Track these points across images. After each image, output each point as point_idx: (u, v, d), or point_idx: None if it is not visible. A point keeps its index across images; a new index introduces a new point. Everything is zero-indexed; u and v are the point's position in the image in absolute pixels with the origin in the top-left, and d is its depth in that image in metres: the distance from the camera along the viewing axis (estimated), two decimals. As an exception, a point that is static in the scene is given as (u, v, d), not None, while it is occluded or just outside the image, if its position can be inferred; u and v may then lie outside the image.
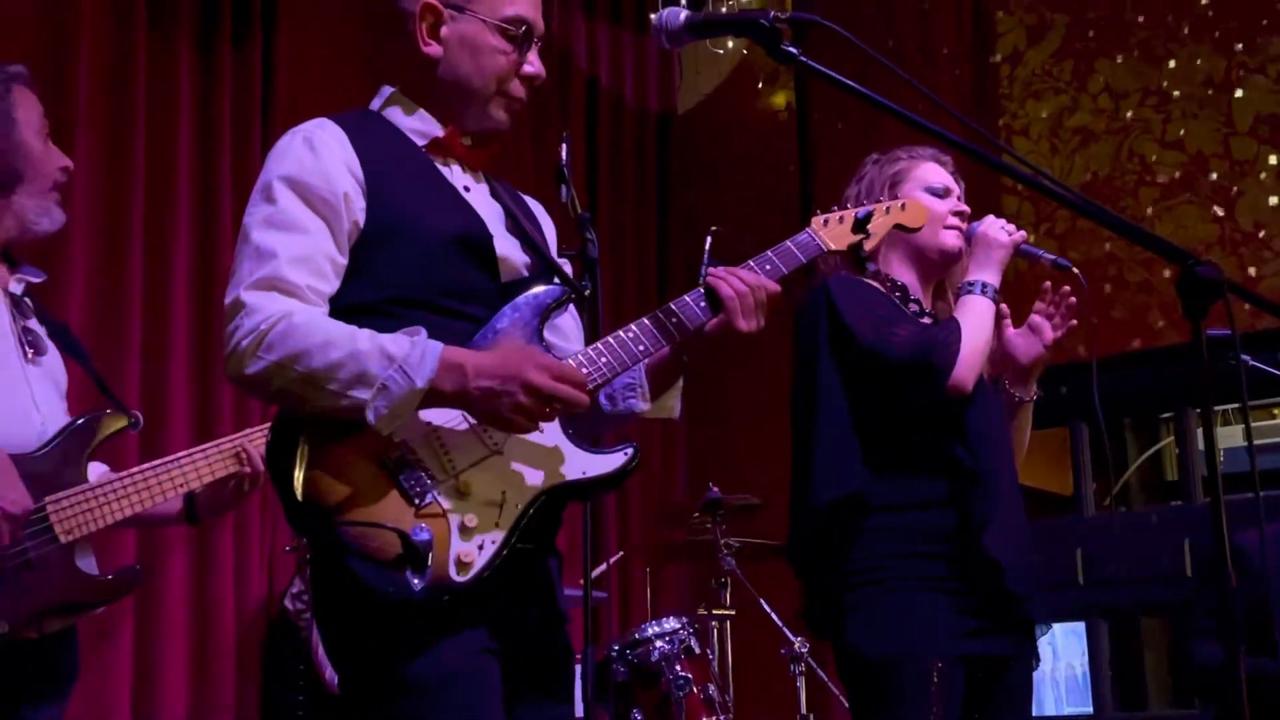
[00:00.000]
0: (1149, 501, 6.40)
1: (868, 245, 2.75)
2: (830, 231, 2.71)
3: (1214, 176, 5.81)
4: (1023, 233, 3.26)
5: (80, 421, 2.99)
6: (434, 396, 2.20)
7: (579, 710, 4.12)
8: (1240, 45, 5.81)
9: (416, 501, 2.23)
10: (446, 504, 2.25)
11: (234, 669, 4.98)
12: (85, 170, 4.64)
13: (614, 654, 4.68)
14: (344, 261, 2.32)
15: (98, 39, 4.95)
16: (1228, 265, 5.68)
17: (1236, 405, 5.35)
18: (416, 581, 2.18)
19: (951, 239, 3.29)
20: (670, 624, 4.72)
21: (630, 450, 2.40)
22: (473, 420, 2.29)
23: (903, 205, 2.86)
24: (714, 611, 5.10)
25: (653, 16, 2.45)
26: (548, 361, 2.27)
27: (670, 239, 6.98)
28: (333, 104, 5.28)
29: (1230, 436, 5.99)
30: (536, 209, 2.67)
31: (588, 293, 2.58)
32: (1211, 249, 5.74)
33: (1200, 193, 5.83)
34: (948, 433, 3.13)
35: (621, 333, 2.40)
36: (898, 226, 2.84)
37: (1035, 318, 3.34)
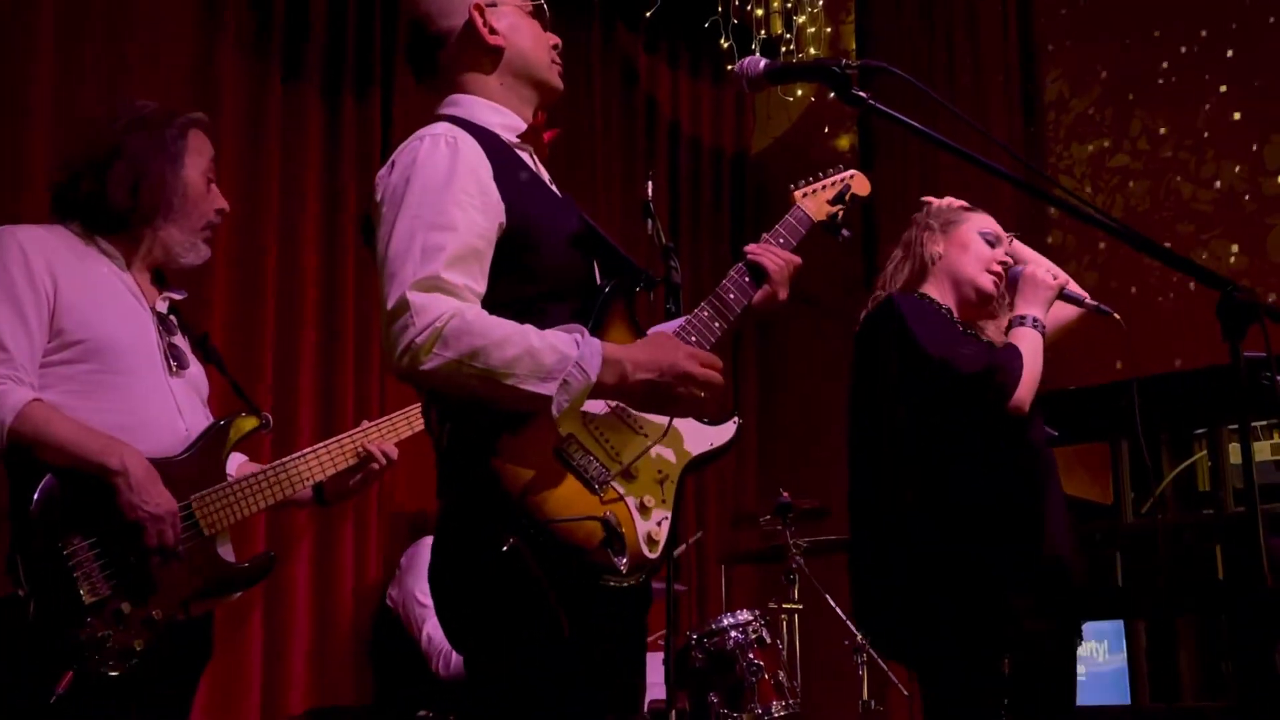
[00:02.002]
0: (1182, 511, 6.35)
1: (840, 214, 2.89)
2: (811, 203, 2.85)
3: (1245, 213, 5.79)
4: (1066, 277, 3.33)
5: (218, 425, 3.05)
6: (599, 389, 2.20)
7: (662, 692, 4.24)
8: (1268, 91, 5.78)
9: (598, 489, 2.23)
10: (621, 488, 2.26)
11: (352, 654, 5.06)
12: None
13: (693, 642, 4.75)
14: (489, 261, 2.28)
15: (238, 91, 5.10)
16: (1260, 292, 5.64)
17: (1264, 423, 5.32)
18: (621, 562, 2.19)
19: (989, 282, 3.35)
20: (744, 616, 4.77)
21: (737, 419, 2.49)
22: (612, 405, 2.30)
23: (852, 175, 2.94)
24: (784, 605, 5.16)
25: (734, 66, 2.59)
26: (693, 350, 2.30)
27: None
28: None
29: (1259, 451, 5.95)
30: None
31: (650, 276, 2.55)
32: (1242, 279, 5.64)
33: (1232, 228, 5.82)
34: (1008, 443, 3.15)
35: (697, 314, 2.48)
36: (852, 196, 2.92)
37: None
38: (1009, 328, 3.28)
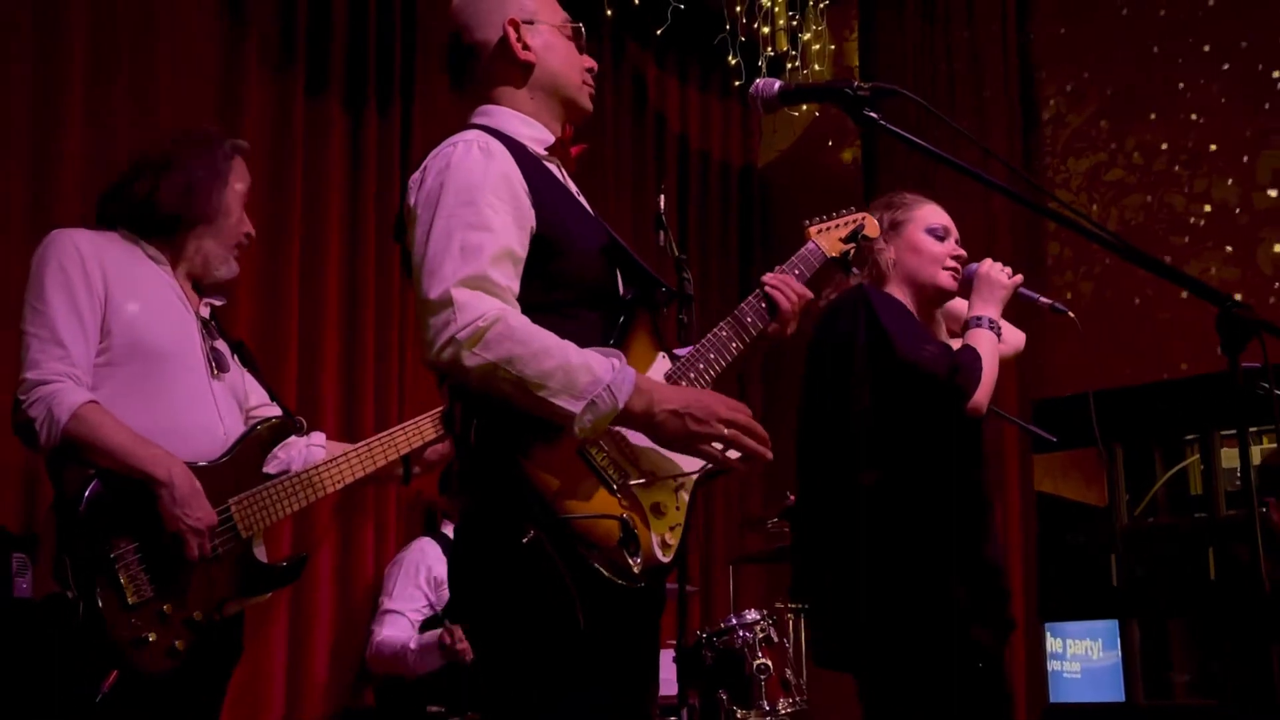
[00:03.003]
0: (1174, 514, 6.36)
1: (851, 254, 2.91)
2: (824, 240, 2.85)
3: (1236, 226, 5.78)
4: (1020, 276, 3.28)
5: (257, 430, 3.07)
6: (624, 416, 2.18)
7: (673, 689, 4.22)
8: (1261, 107, 5.78)
9: (616, 491, 2.23)
10: (639, 491, 2.26)
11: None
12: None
13: (703, 640, 4.73)
14: (524, 263, 2.29)
15: (262, 103, 5.08)
16: (1251, 303, 5.58)
17: (1253, 429, 5.31)
18: (635, 563, 2.18)
19: (947, 279, 3.29)
20: (752, 616, 4.75)
21: None
22: None
23: (864, 218, 2.95)
24: (789, 605, 5.05)
25: (749, 87, 2.55)
26: (724, 397, 2.28)
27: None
28: None
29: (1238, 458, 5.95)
30: None
31: (670, 290, 2.55)
32: (1234, 290, 5.68)
33: (1224, 240, 5.80)
34: (964, 448, 3.12)
35: (716, 333, 2.48)
36: (863, 237, 2.93)
37: None
38: (965, 328, 3.23)
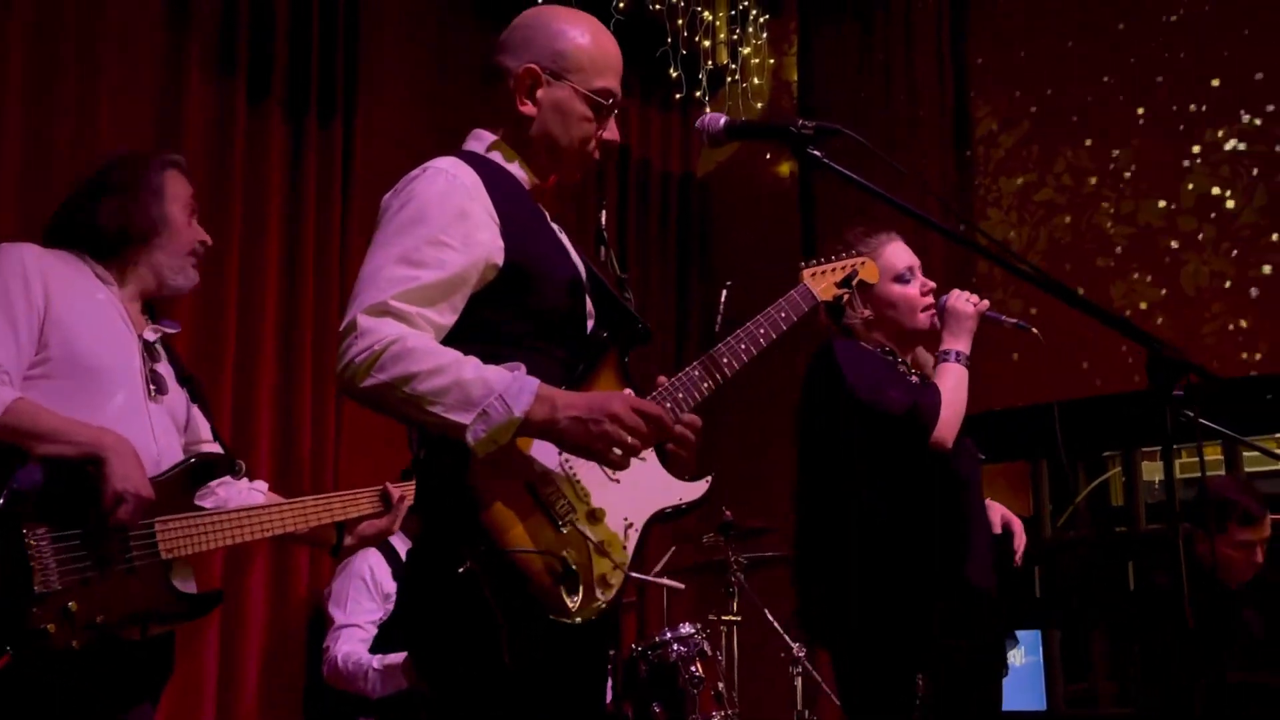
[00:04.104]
0: (1096, 525, 6.43)
1: (845, 298, 2.89)
2: (817, 284, 2.83)
3: (1160, 248, 5.83)
4: (986, 301, 3.32)
5: (192, 462, 3.00)
6: (527, 425, 2.14)
7: (609, 701, 4.23)
8: (1185, 133, 5.83)
9: (562, 526, 2.20)
10: (585, 528, 2.23)
11: (304, 665, 4.92)
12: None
13: (637, 654, 4.73)
14: (465, 297, 2.25)
15: (203, 115, 4.97)
16: (1173, 325, 5.72)
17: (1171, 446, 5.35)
18: (573, 600, 2.16)
19: (926, 321, 3.35)
20: (686, 629, 4.76)
21: (710, 478, 2.45)
22: None
23: (864, 262, 2.97)
24: (723, 617, 5.12)
25: (697, 121, 2.55)
26: (629, 396, 2.23)
27: (689, 285, 6.98)
28: (404, 173, 5.35)
29: (1154, 471, 6.03)
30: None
31: (647, 329, 2.51)
32: (1156, 310, 5.79)
33: (1148, 261, 5.86)
34: (936, 477, 3.17)
35: (687, 373, 2.44)
36: (860, 283, 2.94)
37: None
38: (935, 363, 3.30)
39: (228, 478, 3.12)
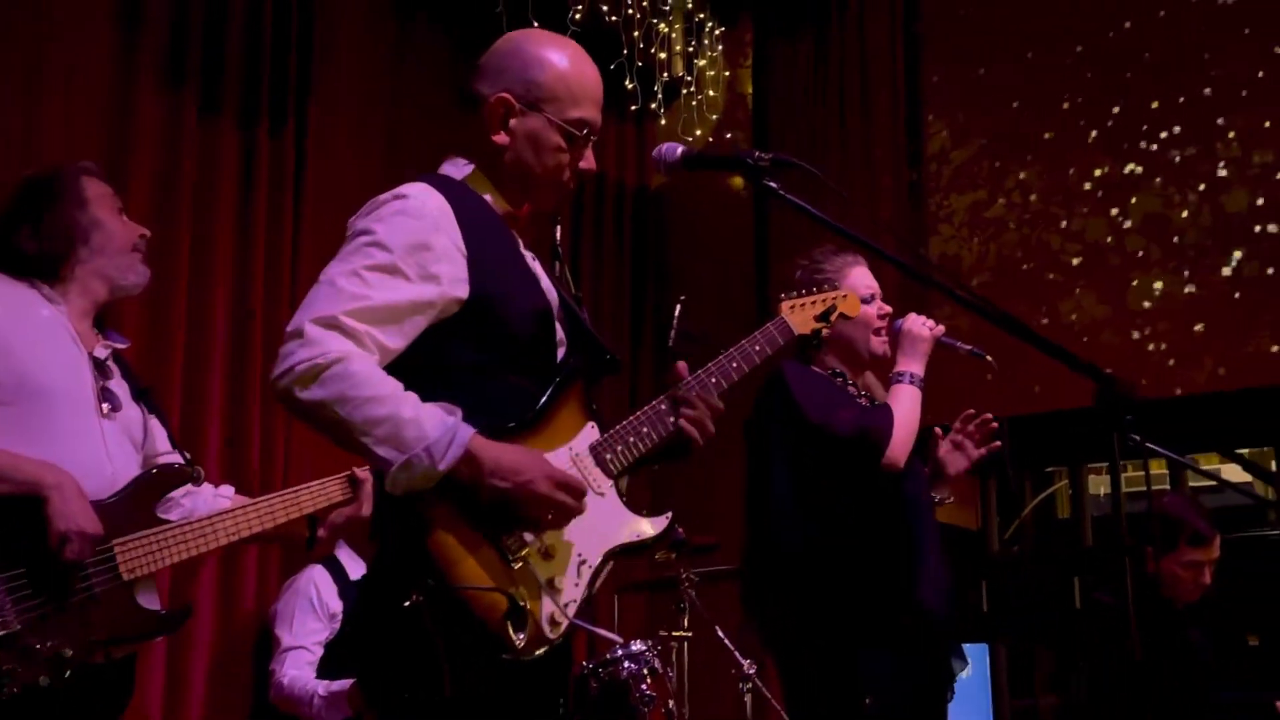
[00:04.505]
0: (1043, 538, 6.48)
1: (825, 333, 2.87)
2: (795, 317, 2.80)
3: (1108, 266, 5.86)
4: (941, 327, 3.35)
5: (151, 474, 2.97)
6: (447, 481, 2.12)
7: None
8: (1132, 153, 5.86)
9: (513, 561, 2.17)
10: (536, 565, 2.19)
11: (250, 687, 4.81)
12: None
13: (587, 671, 4.69)
14: (418, 326, 2.23)
15: (153, 123, 4.88)
16: (1120, 345, 5.76)
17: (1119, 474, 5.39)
18: (520, 638, 2.12)
19: (880, 345, 3.40)
20: (637, 646, 4.72)
21: (670, 515, 2.41)
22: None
23: (844, 295, 2.92)
24: (674, 634, 5.09)
25: (654, 151, 2.56)
26: (554, 472, 2.20)
27: (644, 298, 6.94)
28: (357, 184, 5.29)
29: (1103, 485, 6.08)
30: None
31: (616, 360, 2.51)
32: (1104, 330, 5.81)
33: (1096, 279, 5.88)
34: (887, 497, 3.20)
35: (653, 406, 2.42)
36: (841, 315, 2.90)
37: (958, 437, 3.45)
38: (890, 384, 3.32)
39: (190, 486, 3.08)
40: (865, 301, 3.31)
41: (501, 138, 2.39)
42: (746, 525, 3.34)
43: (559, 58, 2.43)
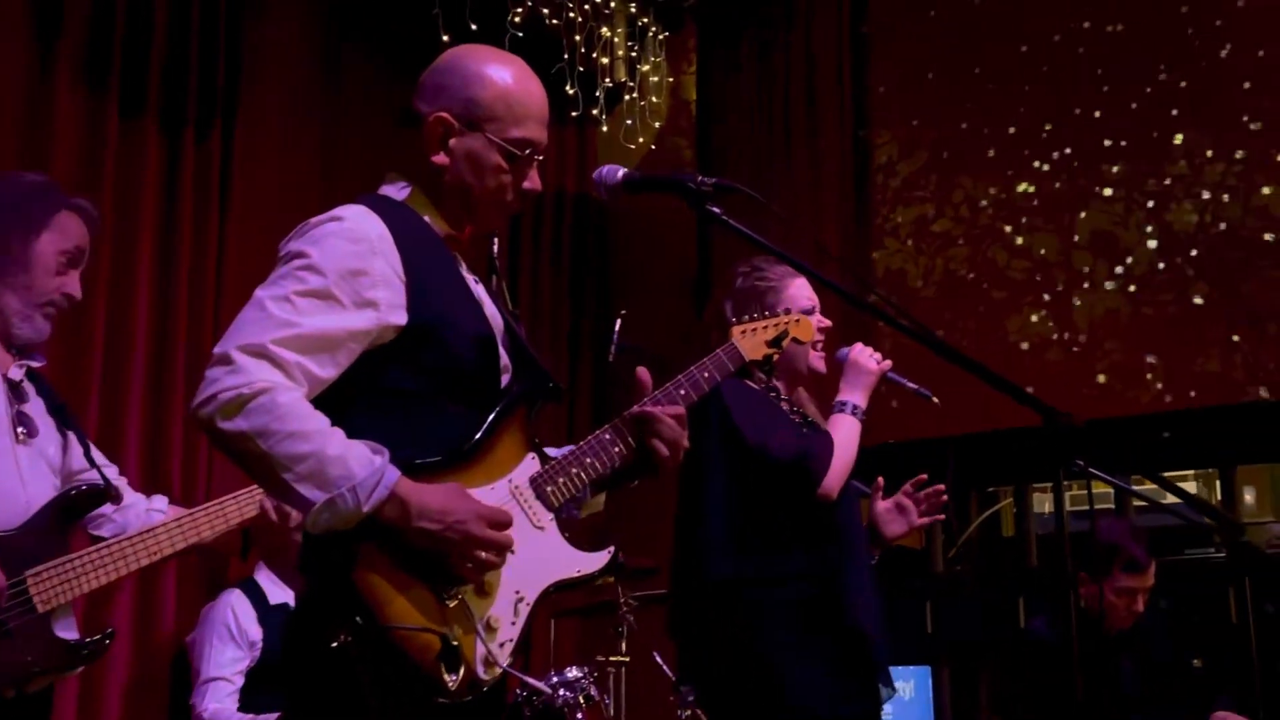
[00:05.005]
0: (988, 556, 6.46)
1: (776, 358, 2.82)
2: (747, 342, 2.76)
3: (1055, 283, 5.86)
4: (889, 362, 3.33)
5: (61, 498, 2.90)
6: (372, 522, 2.08)
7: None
8: (1081, 169, 5.88)
9: (446, 599, 2.13)
10: (472, 604, 2.15)
11: (168, 707, 4.75)
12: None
13: (521, 699, 4.63)
14: (352, 354, 2.19)
15: (73, 124, 4.77)
16: (1066, 363, 5.78)
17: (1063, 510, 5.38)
18: (453, 680, 2.09)
19: (818, 361, 3.38)
20: (573, 673, 4.66)
21: (612, 549, 2.38)
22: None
23: (797, 320, 2.88)
24: (610, 659, 5.03)
25: (594, 173, 2.53)
26: (485, 510, 2.16)
27: (584, 311, 6.88)
28: (290, 200, 5.19)
29: (1047, 502, 6.07)
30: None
31: (559, 389, 2.47)
32: (1050, 347, 5.83)
33: (1043, 297, 5.89)
34: (820, 522, 3.18)
35: (598, 436, 2.38)
36: (794, 340, 2.87)
37: (903, 498, 3.44)
38: (832, 412, 3.29)
39: (106, 503, 3.02)
40: (806, 314, 3.25)
41: (441, 158, 2.36)
42: (675, 546, 3.31)
43: (500, 75, 2.38)
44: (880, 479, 3.45)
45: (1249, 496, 5.53)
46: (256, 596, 4.46)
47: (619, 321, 4.25)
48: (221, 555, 3.27)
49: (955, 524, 5.85)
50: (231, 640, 4.34)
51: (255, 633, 4.36)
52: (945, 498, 3.43)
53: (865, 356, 3.30)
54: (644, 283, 6.67)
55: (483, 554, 2.13)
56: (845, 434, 3.20)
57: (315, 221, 2.25)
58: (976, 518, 6.48)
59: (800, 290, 3.35)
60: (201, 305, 5.07)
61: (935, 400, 3.35)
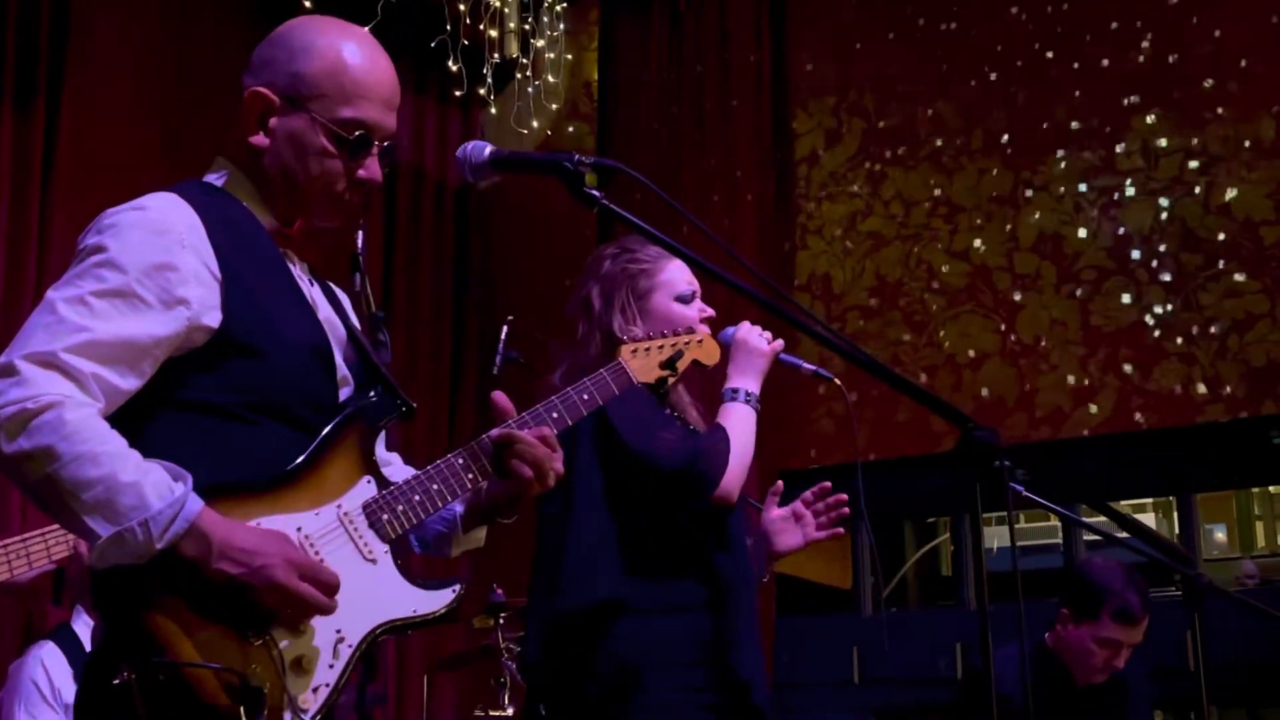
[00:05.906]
0: (925, 596, 6.16)
1: (671, 380, 2.64)
2: (638, 363, 2.61)
3: (997, 288, 5.63)
4: (781, 341, 3.09)
5: None
6: (168, 558, 1.95)
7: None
8: (1026, 162, 5.64)
9: (251, 638, 2.02)
10: (283, 641, 2.05)
11: None
12: None
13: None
14: (156, 362, 2.07)
15: None
16: (1007, 375, 5.55)
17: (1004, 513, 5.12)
18: None
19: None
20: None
21: (457, 587, 2.24)
22: (315, 549, 2.11)
23: (700, 340, 2.74)
24: (491, 713, 4.72)
25: (459, 150, 2.35)
26: (298, 558, 2.04)
27: (466, 315, 6.65)
28: (118, 173, 4.88)
29: (997, 536, 5.78)
30: (340, 295, 2.44)
31: (410, 407, 2.32)
32: (992, 359, 5.59)
33: (984, 303, 5.65)
34: (708, 539, 2.92)
35: (449, 461, 2.26)
36: (695, 363, 2.71)
37: (800, 506, 3.21)
38: (721, 401, 3.05)
39: None
40: (684, 300, 3.08)
41: (260, 139, 2.24)
42: (535, 569, 3.04)
43: (333, 47, 2.25)
44: (780, 483, 3.26)
45: (1220, 534, 5.26)
46: (72, 647, 4.07)
47: (505, 330, 4.11)
48: (34, 596, 3.10)
49: (876, 556, 5.57)
50: (44, 703, 4.03)
51: (70, 693, 3.98)
52: (847, 510, 3.21)
53: (754, 336, 3.06)
54: (536, 283, 6.38)
55: (287, 608, 2.03)
56: (740, 426, 2.96)
57: (114, 211, 2.13)
58: (913, 554, 6.19)
59: (678, 274, 3.10)
60: (20, 287, 4.87)
61: (838, 382, 3.17)
